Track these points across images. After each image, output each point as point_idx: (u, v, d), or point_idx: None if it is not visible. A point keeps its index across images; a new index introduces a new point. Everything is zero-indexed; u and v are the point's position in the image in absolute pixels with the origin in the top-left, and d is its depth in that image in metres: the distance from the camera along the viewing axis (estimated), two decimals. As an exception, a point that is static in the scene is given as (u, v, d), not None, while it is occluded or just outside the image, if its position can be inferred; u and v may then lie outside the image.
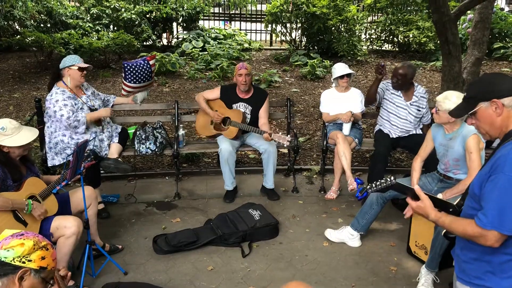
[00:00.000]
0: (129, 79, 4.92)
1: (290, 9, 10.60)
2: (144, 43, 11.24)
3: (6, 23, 10.48)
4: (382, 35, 11.82)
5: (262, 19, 12.34)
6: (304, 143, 6.33)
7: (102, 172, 4.84)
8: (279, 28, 11.45)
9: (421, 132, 4.83)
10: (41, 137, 4.75)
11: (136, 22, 10.93)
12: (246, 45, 11.85)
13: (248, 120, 4.91)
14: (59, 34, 9.72)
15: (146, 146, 4.80)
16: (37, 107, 4.87)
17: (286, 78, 9.48)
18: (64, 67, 4.31)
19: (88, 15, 11.18)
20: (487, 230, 1.86)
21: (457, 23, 6.15)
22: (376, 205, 3.94)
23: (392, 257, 3.95)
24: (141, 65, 4.93)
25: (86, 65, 4.38)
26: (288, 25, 11.30)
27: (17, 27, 10.79)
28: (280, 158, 5.79)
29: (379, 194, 3.91)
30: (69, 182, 3.39)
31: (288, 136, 4.59)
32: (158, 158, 5.86)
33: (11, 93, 8.23)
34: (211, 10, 14.07)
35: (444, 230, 2.18)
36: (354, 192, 4.61)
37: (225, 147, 4.72)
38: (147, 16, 11.43)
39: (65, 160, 4.29)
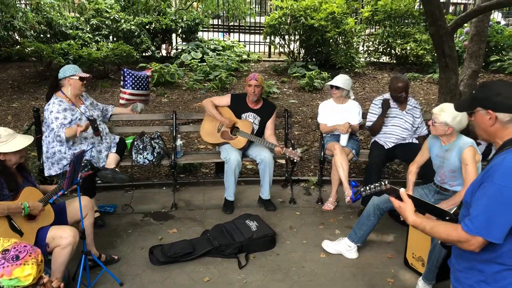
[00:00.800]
0: (128, 85, 4.96)
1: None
2: (143, 54, 11.29)
3: (6, 33, 10.54)
4: (379, 47, 11.89)
5: (261, 31, 12.42)
6: (301, 154, 6.33)
7: (98, 182, 4.84)
8: (277, 40, 11.51)
9: (417, 142, 4.85)
10: (38, 147, 4.76)
11: (136, 33, 10.99)
12: (244, 57, 11.90)
13: (255, 131, 4.92)
14: (58, 45, 9.76)
15: (143, 156, 4.80)
16: (35, 116, 4.88)
17: (284, 89, 9.51)
18: (65, 77, 4.32)
19: (88, 26, 11.24)
20: (472, 236, 1.89)
21: (454, 36, 6.20)
22: (373, 217, 3.94)
23: (389, 269, 3.94)
24: (140, 74, 5.04)
25: (87, 75, 4.40)
26: (286, 37, 11.37)
27: (17, 37, 10.84)
28: (278, 169, 5.80)
29: (375, 205, 3.91)
30: (66, 192, 3.39)
31: (299, 151, 4.59)
32: (156, 169, 5.86)
33: (10, 102, 8.23)
34: (210, 22, 14.15)
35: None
36: (351, 203, 4.61)
37: (234, 157, 4.70)
38: (147, 27, 11.49)
39: (61, 170, 4.28)
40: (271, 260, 4.04)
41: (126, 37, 10.95)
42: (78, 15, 11.79)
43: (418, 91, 9.49)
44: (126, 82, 4.99)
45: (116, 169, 4.52)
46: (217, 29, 14.83)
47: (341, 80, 5.03)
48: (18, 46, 10.27)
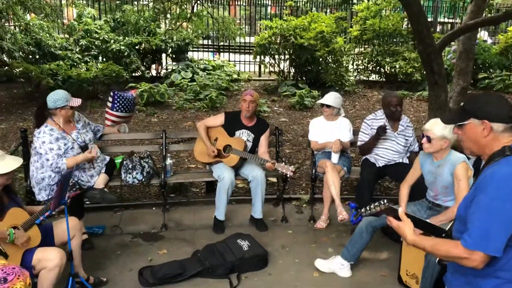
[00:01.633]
0: (116, 108, 4.93)
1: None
2: (133, 74, 11.29)
3: (-6, 54, 10.51)
4: (369, 66, 12.01)
5: (251, 51, 12.50)
6: (294, 168, 6.29)
7: (87, 202, 4.76)
8: (267, 59, 11.58)
9: (407, 162, 4.82)
10: (26, 169, 4.67)
11: (125, 54, 11.00)
12: (235, 76, 11.94)
13: (249, 148, 4.89)
14: (47, 65, 9.72)
15: (133, 176, 4.74)
16: (23, 137, 4.81)
17: (275, 108, 9.53)
18: (56, 108, 4.17)
19: (77, 47, 11.24)
20: (472, 251, 1.86)
21: (442, 54, 6.26)
22: (366, 234, 3.89)
23: (383, 287, 3.88)
24: (129, 96, 5.02)
25: (78, 102, 4.25)
26: (276, 56, 11.45)
27: (5, 58, 10.78)
28: (269, 187, 5.75)
29: (368, 222, 3.87)
30: (53, 213, 3.31)
31: (292, 166, 4.55)
32: (145, 189, 5.79)
33: (-3, 123, 8.15)
34: (200, 42, 14.22)
35: (438, 258, 2.16)
36: (344, 221, 4.57)
37: (228, 175, 4.65)
38: (136, 47, 11.51)
39: (49, 197, 4.17)
40: (263, 280, 3.97)
41: (115, 57, 10.95)
42: (68, 36, 11.79)
43: (408, 108, 9.55)
44: (115, 105, 4.96)
45: (105, 189, 4.45)
46: (207, 49, 14.92)
47: (332, 98, 5.03)
48: (7, 67, 10.23)
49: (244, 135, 4.91)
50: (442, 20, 17.42)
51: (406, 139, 4.84)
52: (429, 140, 3.59)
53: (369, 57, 11.70)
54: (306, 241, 4.64)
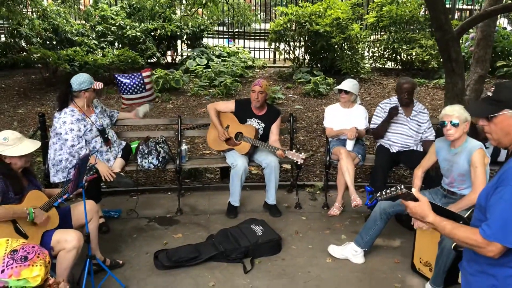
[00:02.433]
0: (123, 91, 4.99)
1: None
2: (149, 60, 11.32)
3: (12, 40, 10.60)
4: (385, 53, 11.86)
5: (266, 37, 12.43)
6: (307, 159, 6.30)
7: (104, 187, 4.83)
8: (282, 46, 11.51)
9: (421, 150, 4.81)
10: (44, 152, 4.75)
11: (141, 40, 11.03)
12: (249, 63, 11.90)
13: (260, 136, 4.90)
14: (64, 51, 9.80)
15: (148, 161, 4.79)
16: (41, 121, 4.89)
17: (290, 95, 9.50)
18: (81, 90, 4.29)
19: (94, 33, 11.29)
20: (490, 242, 1.84)
21: (460, 41, 6.17)
22: (380, 221, 3.90)
23: (396, 274, 3.89)
24: (132, 77, 5.00)
25: (100, 86, 4.40)
26: (291, 43, 11.36)
27: (23, 44, 10.90)
28: (283, 174, 5.77)
29: (382, 210, 3.88)
30: (71, 196, 3.38)
31: (302, 154, 4.56)
32: (161, 174, 5.85)
33: (16, 108, 8.27)
34: (215, 28, 14.18)
35: (454, 243, 2.15)
36: (357, 208, 4.58)
37: (241, 163, 4.68)
38: (152, 33, 11.53)
39: (66, 179, 4.25)
40: (276, 265, 4.01)
41: (131, 43, 10.99)
42: (84, 22, 11.85)
43: (424, 96, 9.45)
44: (121, 88, 5.01)
45: (121, 173, 4.51)
46: (222, 36, 14.87)
47: (350, 84, 5.02)
48: (24, 53, 10.33)
49: (254, 124, 4.91)
50: (460, 6, 17.09)
51: (419, 125, 4.83)
52: (455, 125, 3.55)
53: (385, 44, 11.54)
54: (320, 228, 4.66)
